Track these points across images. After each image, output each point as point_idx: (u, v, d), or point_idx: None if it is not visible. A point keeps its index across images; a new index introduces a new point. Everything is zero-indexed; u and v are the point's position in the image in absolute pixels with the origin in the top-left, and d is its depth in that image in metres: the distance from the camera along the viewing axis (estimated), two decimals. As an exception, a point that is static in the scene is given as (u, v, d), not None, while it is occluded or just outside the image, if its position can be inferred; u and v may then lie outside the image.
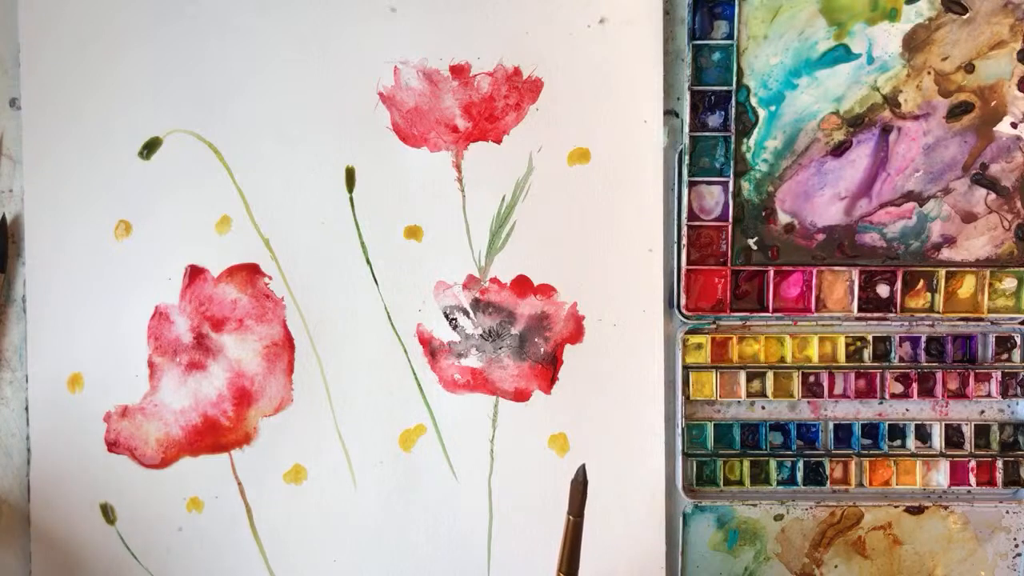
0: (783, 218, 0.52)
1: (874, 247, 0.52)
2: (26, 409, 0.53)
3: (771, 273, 0.52)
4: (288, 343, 0.53)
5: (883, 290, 0.52)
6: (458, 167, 0.52)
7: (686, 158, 0.51)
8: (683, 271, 0.52)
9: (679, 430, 0.52)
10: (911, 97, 0.52)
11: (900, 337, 0.53)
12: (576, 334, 0.52)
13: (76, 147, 0.52)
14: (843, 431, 0.53)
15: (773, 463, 0.53)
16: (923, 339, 0.53)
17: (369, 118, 0.52)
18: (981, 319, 0.52)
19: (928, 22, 0.51)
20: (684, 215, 0.52)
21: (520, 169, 0.52)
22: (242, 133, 0.52)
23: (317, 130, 0.52)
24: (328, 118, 0.52)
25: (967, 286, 0.52)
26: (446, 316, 0.53)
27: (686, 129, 0.51)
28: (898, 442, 0.53)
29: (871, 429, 0.53)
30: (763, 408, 0.54)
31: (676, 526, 0.53)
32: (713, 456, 0.53)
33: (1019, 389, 0.53)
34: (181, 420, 0.52)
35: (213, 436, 0.53)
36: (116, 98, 0.52)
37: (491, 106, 0.52)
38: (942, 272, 0.52)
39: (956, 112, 0.52)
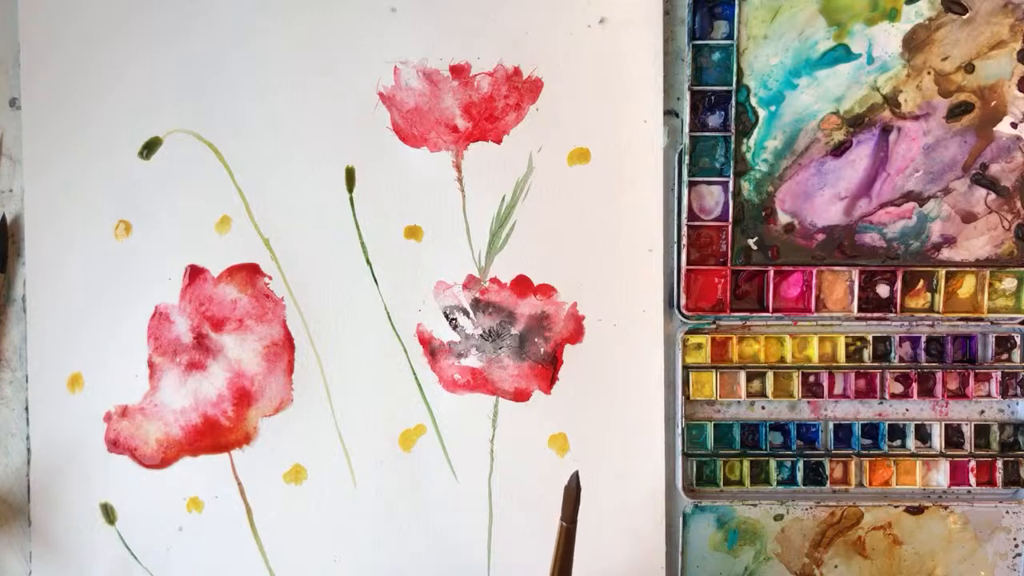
0: (783, 218, 0.52)
1: (874, 247, 0.52)
2: (26, 409, 0.53)
3: (771, 273, 0.52)
4: (288, 343, 0.53)
5: (883, 290, 0.52)
6: (458, 167, 0.52)
7: (686, 158, 0.51)
8: (683, 271, 0.52)
9: (679, 430, 0.52)
10: (911, 97, 0.52)
11: (900, 337, 0.53)
12: (576, 334, 0.52)
13: (76, 147, 0.52)
14: (843, 431, 0.53)
15: (773, 463, 0.53)
16: (923, 339, 0.53)
17: (369, 118, 0.52)
18: (981, 319, 0.52)
19: (928, 22, 0.51)
20: (684, 215, 0.52)
21: (520, 169, 0.52)
22: (242, 133, 0.52)
23: (317, 130, 0.52)
24: (328, 118, 0.52)
25: (967, 286, 0.52)
26: (446, 316, 0.52)
27: (686, 129, 0.51)
28: (898, 442, 0.53)
29: (871, 429, 0.53)
30: (763, 408, 0.54)
31: (676, 526, 0.53)
32: (713, 456, 0.53)
33: (1019, 389, 0.53)
34: (181, 420, 0.52)
35: (213, 436, 0.53)
36: (116, 98, 0.52)
37: (491, 106, 0.52)
38: (942, 272, 0.52)
39: (956, 112, 0.52)
